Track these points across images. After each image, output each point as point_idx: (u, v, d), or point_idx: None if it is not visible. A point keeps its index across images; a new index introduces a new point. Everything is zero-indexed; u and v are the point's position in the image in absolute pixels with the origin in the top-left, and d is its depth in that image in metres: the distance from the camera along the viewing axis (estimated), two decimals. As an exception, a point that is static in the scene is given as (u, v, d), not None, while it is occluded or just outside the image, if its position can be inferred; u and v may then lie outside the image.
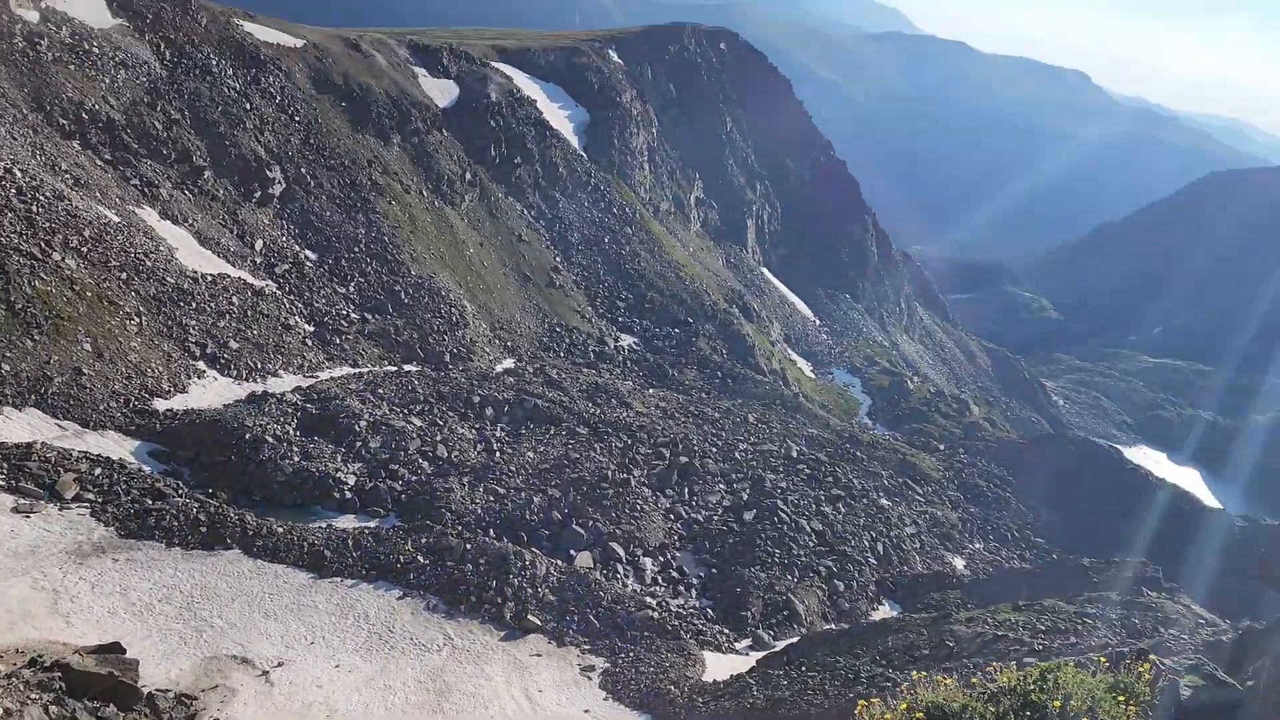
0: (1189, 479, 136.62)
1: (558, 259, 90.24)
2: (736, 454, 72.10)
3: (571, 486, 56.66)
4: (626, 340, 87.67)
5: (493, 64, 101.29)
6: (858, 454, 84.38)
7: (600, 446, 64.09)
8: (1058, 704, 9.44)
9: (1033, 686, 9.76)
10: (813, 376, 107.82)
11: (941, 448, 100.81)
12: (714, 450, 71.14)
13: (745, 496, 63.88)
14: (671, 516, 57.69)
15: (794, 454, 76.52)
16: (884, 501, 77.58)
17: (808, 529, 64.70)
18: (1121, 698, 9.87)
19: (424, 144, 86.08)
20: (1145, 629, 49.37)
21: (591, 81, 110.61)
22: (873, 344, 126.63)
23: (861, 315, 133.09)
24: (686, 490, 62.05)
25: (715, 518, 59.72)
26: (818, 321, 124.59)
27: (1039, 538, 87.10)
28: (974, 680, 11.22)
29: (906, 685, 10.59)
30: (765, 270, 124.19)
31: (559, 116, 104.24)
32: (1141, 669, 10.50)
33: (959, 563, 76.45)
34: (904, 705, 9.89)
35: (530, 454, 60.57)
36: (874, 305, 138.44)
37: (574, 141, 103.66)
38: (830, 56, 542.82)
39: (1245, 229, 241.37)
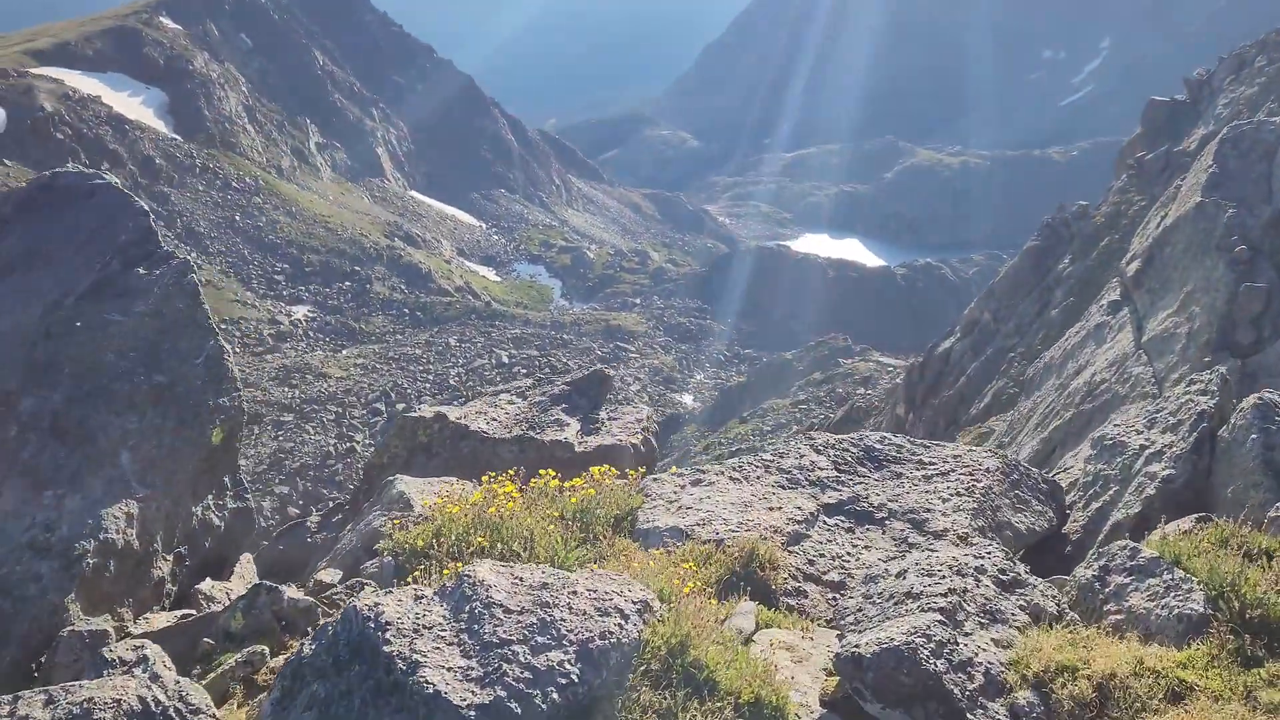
0: (851, 248, 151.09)
1: (193, 254, 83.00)
2: (451, 381, 71.31)
3: (297, 476, 53.96)
4: (300, 311, 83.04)
5: (33, 71, 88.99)
6: (565, 337, 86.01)
7: (312, 427, 61.16)
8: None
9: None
10: (498, 279, 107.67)
11: (638, 301, 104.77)
12: (427, 386, 69.92)
13: (473, 418, 63.69)
14: (409, 466, 56.71)
15: (506, 360, 76.80)
16: (606, 372, 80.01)
17: (543, 424, 65.62)
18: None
19: (-14, 182, 74.96)
20: (848, 392, 55.16)
21: (155, 57, 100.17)
22: (543, 228, 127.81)
23: (523, 204, 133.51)
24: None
25: (452, 449, 59.35)
26: (484, 225, 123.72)
27: (746, 349, 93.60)
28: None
29: None
30: (415, 193, 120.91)
31: (133, 105, 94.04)
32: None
33: (688, 399, 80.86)
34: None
35: (242, 461, 56.79)
36: (531, 191, 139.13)
37: (161, 126, 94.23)
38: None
39: (836, 13, 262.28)
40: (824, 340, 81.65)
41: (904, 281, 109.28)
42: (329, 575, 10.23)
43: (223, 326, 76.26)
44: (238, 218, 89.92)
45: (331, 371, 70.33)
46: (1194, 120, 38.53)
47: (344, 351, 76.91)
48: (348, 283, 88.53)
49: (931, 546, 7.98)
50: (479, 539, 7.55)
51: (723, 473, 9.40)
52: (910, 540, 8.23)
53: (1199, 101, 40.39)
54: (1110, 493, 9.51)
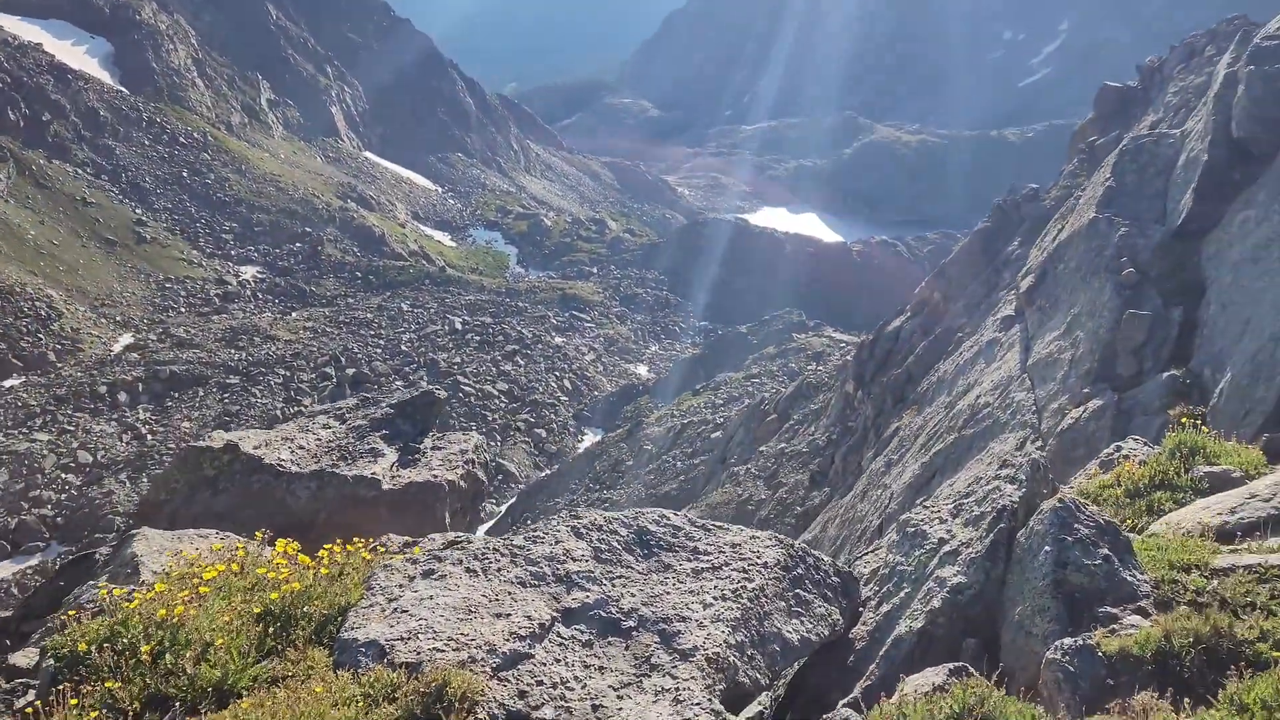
0: (809, 223, 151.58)
1: (138, 211, 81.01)
2: (403, 347, 70.59)
3: (243, 441, 53.20)
4: (248, 271, 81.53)
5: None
6: (520, 304, 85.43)
7: (259, 389, 60.28)
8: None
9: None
10: (453, 245, 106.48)
11: (594, 270, 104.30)
12: (379, 351, 69.15)
13: (425, 383, 63.08)
14: (357, 431, 56.14)
15: (459, 326, 76.15)
16: (558, 340, 79.65)
17: (494, 392, 65.34)
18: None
19: (-80, 130, 72.43)
20: (800, 367, 55.57)
21: (100, 5, 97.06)
22: (500, 194, 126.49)
23: (480, 169, 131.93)
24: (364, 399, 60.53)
25: (401, 416, 58.95)
26: (440, 189, 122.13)
27: (703, 321, 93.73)
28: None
29: None
30: (369, 154, 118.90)
31: (77, 55, 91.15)
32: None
33: (642, 370, 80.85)
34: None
35: (186, 424, 55.89)
36: (488, 156, 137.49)
37: (106, 78, 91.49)
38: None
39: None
40: (779, 314, 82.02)
41: (860, 258, 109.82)
42: (26, 658, 8.80)
43: (168, 285, 74.78)
44: (185, 174, 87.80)
45: (280, 334, 69.22)
46: (1145, 107, 38.95)
47: (293, 314, 75.70)
48: (298, 244, 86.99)
49: (673, 669, 6.82)
50: (145, 649, 6.32)
51: (461, 561, 7.98)
52: (654, 660, 6.93)
53: (1150, 88, 40.73)
54: (902, 593, 8.28)
